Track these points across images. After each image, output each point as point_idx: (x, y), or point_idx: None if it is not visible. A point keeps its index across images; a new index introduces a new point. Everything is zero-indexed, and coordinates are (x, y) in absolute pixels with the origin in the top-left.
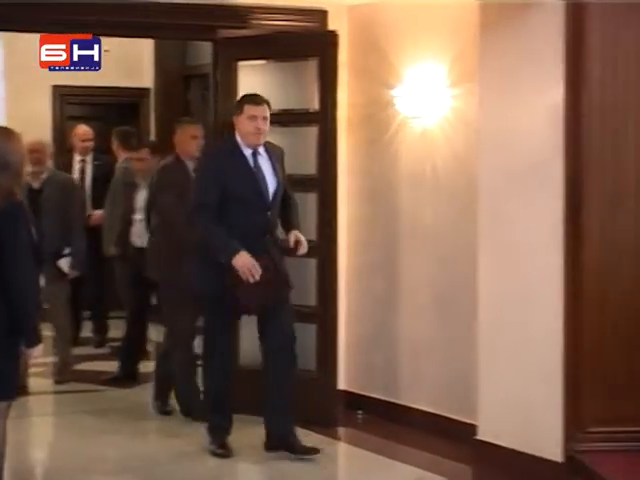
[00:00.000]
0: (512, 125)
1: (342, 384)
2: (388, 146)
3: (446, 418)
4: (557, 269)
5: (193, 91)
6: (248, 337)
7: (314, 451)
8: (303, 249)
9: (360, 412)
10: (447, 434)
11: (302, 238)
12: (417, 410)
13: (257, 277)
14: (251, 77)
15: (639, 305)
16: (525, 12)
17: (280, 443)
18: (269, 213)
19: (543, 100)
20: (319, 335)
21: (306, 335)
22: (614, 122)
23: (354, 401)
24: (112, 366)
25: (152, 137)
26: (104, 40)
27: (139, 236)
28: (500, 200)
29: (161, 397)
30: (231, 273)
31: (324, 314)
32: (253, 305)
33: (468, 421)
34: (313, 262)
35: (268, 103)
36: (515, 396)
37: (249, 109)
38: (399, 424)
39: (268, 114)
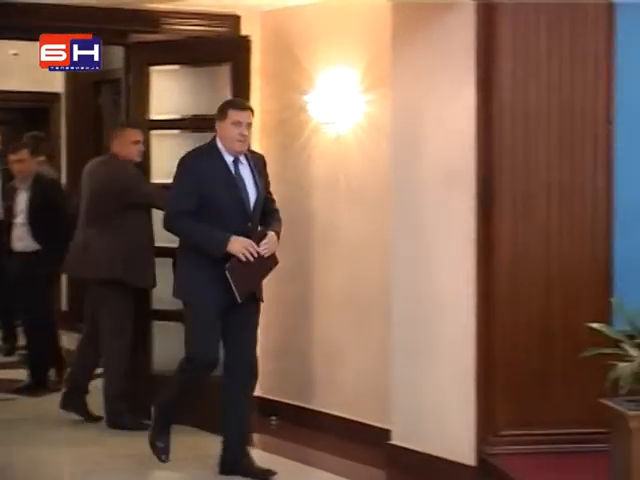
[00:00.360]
0: (425, 128)
1: (256, 390)
2: (301, 152)
3: (360, 423)
4: (469, 272)
5: (104, 96)
6: (163, 343)
7: (270, 473)
8: (266, 246)
9: (274, 418)
10: (361, 439)
11: (271, 235)
12: (331, 415)
13: (255, 253)
14: (164, 82)
15: (550, 308)
16: (438, 13)
17: (234, 465)
18: (249, 224)
19: (456, 102)
20: None
21: None
22: (525, 123)
23: (268, 407)
24: (23, 374)
25: (63, 142)
26: (13, 44)
27: (20, 240)
28: (413, 203)
29: (77, 405)
30: (234, 265)
31: None
32: (257, 285)
33: (382, 426)
34: None
35: (252, 109)
36: (428, 400)
37: (233, 114)
38: (313, 429)
39: (252, 120)
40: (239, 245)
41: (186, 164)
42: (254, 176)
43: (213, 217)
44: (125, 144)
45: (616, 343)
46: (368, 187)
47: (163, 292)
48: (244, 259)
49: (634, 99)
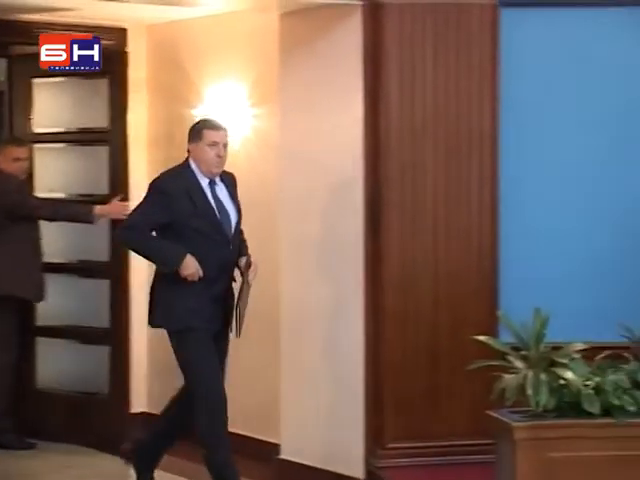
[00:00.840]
0: (313, 142)
1: (145, 406)
2: None
3: (249, 438)
4: (358, 287)
5: None
6: (47, 360)
7: None
8: (254, 274)
9: None
10: (251, 454)
11: (255, 262)
12: None
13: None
14: (47, 94)
15: (438, 321)
16: (324, 24)
17: None
18: (231, 247)
19: (344, 114)
20: (112, 358)
21: (97, 357)
22: (412, 134)
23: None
24: None
25: None
26: None
27: None
28: (302, 219)
29: None
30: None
31: (117, 336)
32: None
33: (271, 440)
34: (106, 283)
35: (226, 129)
36: (317, 414)
37: (210, 135)
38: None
39: (228, 140)
40: (193, 266)
41: (158, 185)
42: (231, 196)
43: (193, 240)
44: (7, 161)
45: (502, 355)
46: (257, 201)
47: (48, 308)
48: (192, 278)
49: (519, 104)
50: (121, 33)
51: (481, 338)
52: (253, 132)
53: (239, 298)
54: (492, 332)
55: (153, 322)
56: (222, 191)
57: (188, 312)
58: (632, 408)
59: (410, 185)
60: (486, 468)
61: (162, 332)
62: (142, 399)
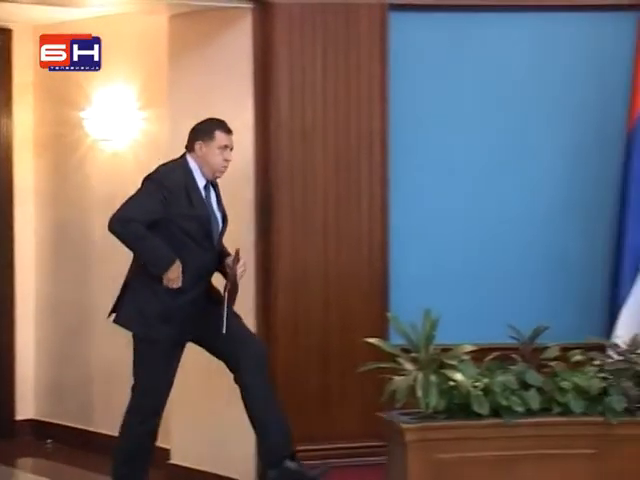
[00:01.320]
0: None
1: (30, 413)
2: (77, 169)
3: None
4: (249, 288)
5: None
6: None
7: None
8: (243, 268)
9: (49, 441)
10: None
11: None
12: (109, 436)
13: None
14: None
15: (329, 323)
16: (214, 28)
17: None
18: (213, 254)
19: (234, 119)
20: None
21: None
22: (303, 138)
23: (43, 430)
24: None
25: None
26: None
27: None
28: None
29: None
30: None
31: None
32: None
33: (162, 445)
34: None
35: None
36: (207, 418)
37: (221, 137)
38: (91, 451)
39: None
40: (177, 274)
41: (157, 178)
42: (218, 200)
43: (181, 244)
44: None
45: (393, 357)
46: None
47: None
48: (170, 285)
49: (409, 105)
50: (6, 34)
51: (371, 340)
52: (142, 135)
53: (229, 292)
54: (383, 334)
55: (118, 320)
56: (212, 196)
57: (156, 320)
58: (520, 409)
59: (300, 186)
60: (378, 470)
61: (49, 339)
62: (29, 406)
